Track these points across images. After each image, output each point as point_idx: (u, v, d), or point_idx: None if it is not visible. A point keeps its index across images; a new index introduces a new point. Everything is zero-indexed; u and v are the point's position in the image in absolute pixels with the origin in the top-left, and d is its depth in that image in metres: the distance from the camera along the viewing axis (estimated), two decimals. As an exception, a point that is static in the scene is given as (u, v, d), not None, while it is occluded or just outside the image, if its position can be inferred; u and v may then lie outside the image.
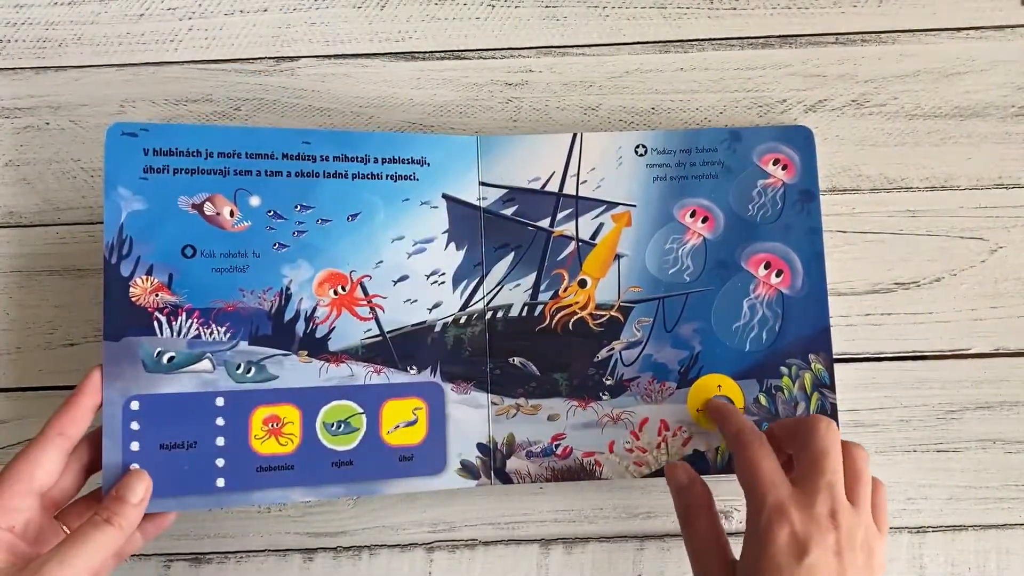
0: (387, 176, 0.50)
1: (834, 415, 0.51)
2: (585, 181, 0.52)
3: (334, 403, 0.48)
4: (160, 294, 0.46)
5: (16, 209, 0.56)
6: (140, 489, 0.43)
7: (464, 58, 0.58)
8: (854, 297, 0.56)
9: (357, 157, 0.49)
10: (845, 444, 0.45)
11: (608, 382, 0.51)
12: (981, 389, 0.55)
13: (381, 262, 0.49)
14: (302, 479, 0.47)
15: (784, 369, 0.51)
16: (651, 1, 0.58)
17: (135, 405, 0.45)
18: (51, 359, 0.54)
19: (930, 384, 0.55)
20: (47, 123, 0.56)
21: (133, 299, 0.46)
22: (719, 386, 0.51)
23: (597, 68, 0.57)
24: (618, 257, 0.52)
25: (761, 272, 0.52)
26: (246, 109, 0.57)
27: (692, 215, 0.52)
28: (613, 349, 0.51)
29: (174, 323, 0.46)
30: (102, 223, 0.46)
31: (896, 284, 0.56)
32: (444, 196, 0.51)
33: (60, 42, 0.57)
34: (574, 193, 0.52)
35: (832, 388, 0.51)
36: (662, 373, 0.51)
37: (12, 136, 0.56)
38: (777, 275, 0.51)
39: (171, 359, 0.46)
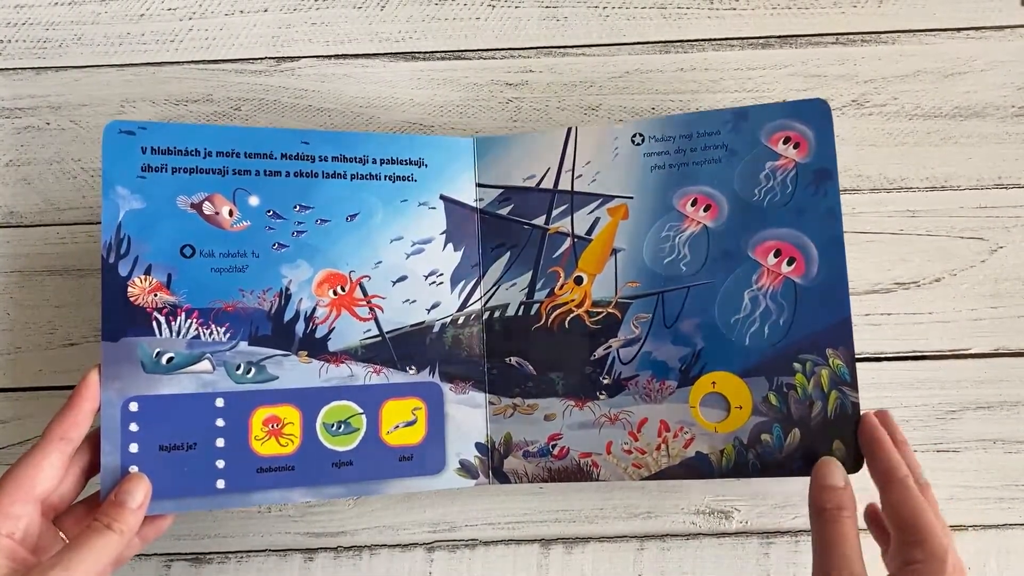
0: (385, 177, 0.50)
1: (855, 415, 0.46)
2: (580, 175, 0.51)
3: (334, 403, 0.48)
4: (159, 294, 0.46)
5: (16, 209, 0.56)
6: (139, 493, 0.42)
7: (464, 58, 0.58)
8: (854, 297, 0.55)
9: (356, 158, 0.49)
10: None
11: (605, 381, 0.50)
12: (981, 389, 0.55)
13: (380, 262, 0.49)
14: (302, 480, 0.47)
15: (797, 365, 0.47)
16: (651, 1, 0.58)
17: (134, 406, 0.45)
18: (51, 359, 0.54)
19: (930, 384, 0.55)
20: (48, 123, 0.56)
21: (131, 299, 0.45)
22: (713, 383, 0.48)
23: (597, 68, 0.57)
24: (615, 252, 0.50)
25: (771, 261, 0.48)
26: (246, 109, 0.57)
27: (693, 204, 0.49)
28: (610, 347, 0.50)
29: (173, 323, 0.46)
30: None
31: (896, 284, 0.56)
32: (442, 197, 0.51)
33: (60, 42, 0.57)
34: (569, 188, 0.51)
35: (854, 386, 0.46)
36: (662, 371, 0.49)
37: (13, 136, 0.56)
38: (789, 263, 0.48)
39: (170, 360, 0.46)
